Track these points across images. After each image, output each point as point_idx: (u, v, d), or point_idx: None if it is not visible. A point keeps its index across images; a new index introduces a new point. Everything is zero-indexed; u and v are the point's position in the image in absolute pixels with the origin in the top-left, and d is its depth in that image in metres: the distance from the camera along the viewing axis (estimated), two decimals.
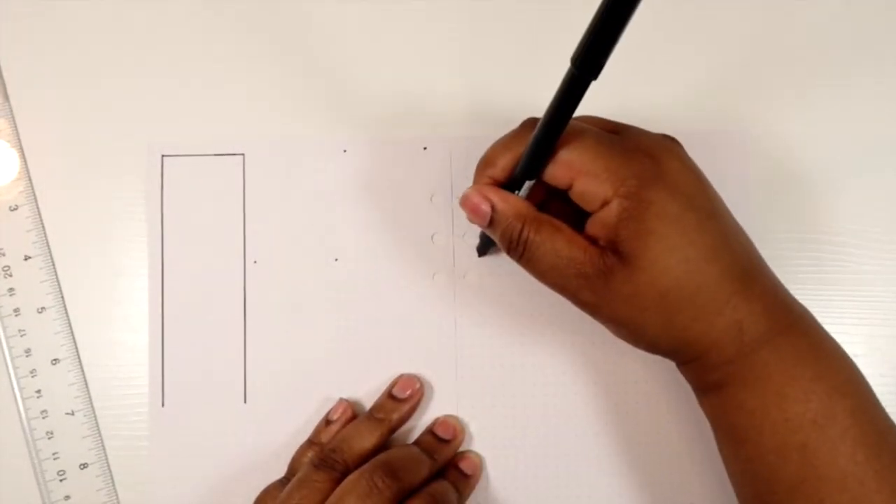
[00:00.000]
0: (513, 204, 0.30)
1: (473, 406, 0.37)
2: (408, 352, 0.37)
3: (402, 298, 0.37)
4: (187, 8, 0.38)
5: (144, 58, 0.38)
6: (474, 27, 0.38)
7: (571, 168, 0.28)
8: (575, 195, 0.29)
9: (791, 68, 0.39)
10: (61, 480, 0.36)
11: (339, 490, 0.31)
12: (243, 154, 0.38)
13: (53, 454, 0.36)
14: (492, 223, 0.30)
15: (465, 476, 0.35)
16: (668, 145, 0.29)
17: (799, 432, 0.27)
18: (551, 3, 0.38)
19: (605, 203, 0.28)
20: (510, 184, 0.31)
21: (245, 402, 0.37)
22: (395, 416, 0.35)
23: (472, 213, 0.31)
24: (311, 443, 0.35)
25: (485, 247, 0.36)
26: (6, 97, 0.38)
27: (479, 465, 0.36)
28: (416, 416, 0.36)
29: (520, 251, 0.30)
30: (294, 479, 0.32)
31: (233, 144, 0.38)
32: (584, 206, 0.29)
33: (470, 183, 0.37)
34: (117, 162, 0.38)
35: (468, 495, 0.35)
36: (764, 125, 0.38)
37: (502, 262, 0.37)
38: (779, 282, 0.30)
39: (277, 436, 0.36)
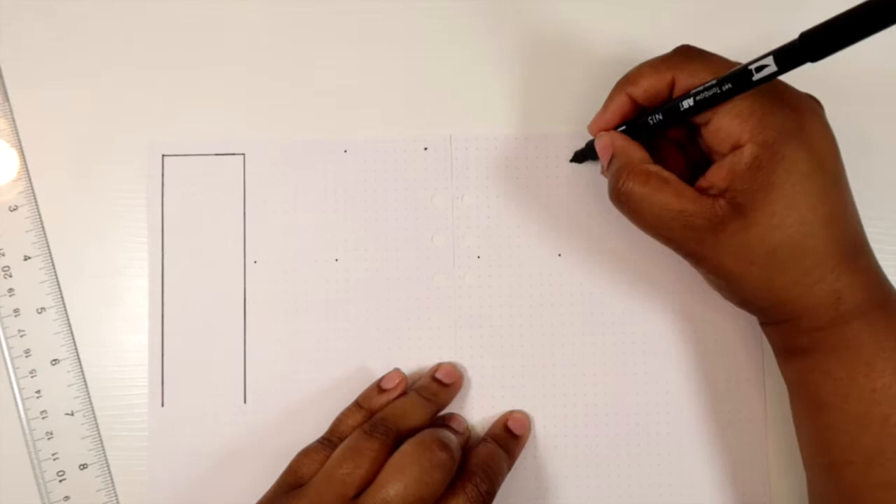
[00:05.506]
0: (626, 155, 0.30)
1: (474, 406, 0.37)
2: (408, 352, 0.37)
3: (402, 299, 0.37)
4: (187, 8, 0.38)
5: (145, 58, 0.38)
6: (474, 27, 0.39)
7: None
8: (709, 131, 0.29)
9: None
10: (61, 481, 0.36)
11: (396, 456, 0.30)
12: (244, 154, 0.38)
13: (53, 454, 0.36)
14: (609, 167, 0.31)
15: (515, 436, 0.35)
16: (813, 106, 0.29)
17: (883, 404, 0.27)
18: (549, 3, 0.38)
19: (736, 146, 0.28)
20: (643, 114, 0.31)
21: (245, 402, 0.37)
22: (442, 399, 0.35)
23: (601, 152, 0.32)
24: (359, 406, 0.35)
25: (583, 156, 0.36)
26: (6, 97, 0.38)
27: (528, 425, 0.36)
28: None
29: (622, 200, 0.30)
30: (343, 446, 0.31)
31: (233, 144, 0.38)
32: (714, 144, 0.29)
33: (468, 184, 0.38)
34: (117, 162, 0.38)
35: (518, 455, 0.35)
36: None
37: (501, 263, 0.37)
38: (877, 261, 0.30)
39: (277, 436, 0.36)
